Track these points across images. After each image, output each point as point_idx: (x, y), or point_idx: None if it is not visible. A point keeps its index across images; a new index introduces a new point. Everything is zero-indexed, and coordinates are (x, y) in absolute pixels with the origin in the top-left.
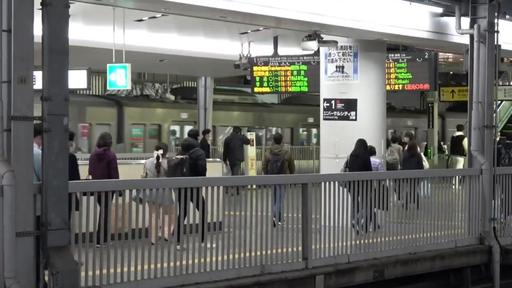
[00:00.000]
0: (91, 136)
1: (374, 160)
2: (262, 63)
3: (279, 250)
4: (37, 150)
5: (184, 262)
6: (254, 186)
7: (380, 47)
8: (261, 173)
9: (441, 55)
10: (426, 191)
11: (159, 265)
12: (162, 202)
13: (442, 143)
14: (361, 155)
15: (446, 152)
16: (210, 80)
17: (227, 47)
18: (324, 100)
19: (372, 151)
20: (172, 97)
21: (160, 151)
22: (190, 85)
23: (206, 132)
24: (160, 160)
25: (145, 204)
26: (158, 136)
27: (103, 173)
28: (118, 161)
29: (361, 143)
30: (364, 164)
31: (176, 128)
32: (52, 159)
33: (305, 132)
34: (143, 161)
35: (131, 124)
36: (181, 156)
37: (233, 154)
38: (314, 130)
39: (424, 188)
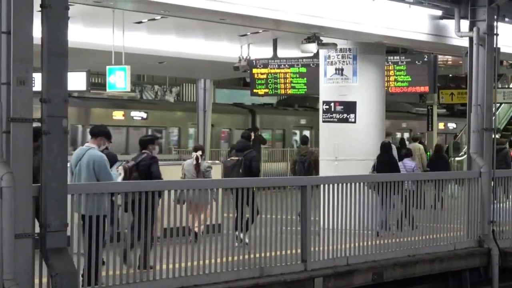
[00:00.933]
0: (231, 139)
1: (410, 162)
2: (262, 65)
3: (278, 252)
4: (97, 152)
5: (183, 264)
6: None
7: (380, 50)
8: (289, 173)
9: (440, 57)
10: (453, 191)
11: (158, 267)
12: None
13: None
14: (387, 159)
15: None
16: (210, 82)
17: (226, 49)
18: (324, 102)
19: (408, 153)
20: (172, 99)
21: (199, 152)
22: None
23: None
24: (199, 161)
25: (183, 204)
26: (283, 139)
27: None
28: None
29: (383, 147)
30: (390, 168)
31: (297, 131)
32: (51, 161)
33: None
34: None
35: (262, 129)
36: (237, 158)
37: None
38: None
39: (451, 188)
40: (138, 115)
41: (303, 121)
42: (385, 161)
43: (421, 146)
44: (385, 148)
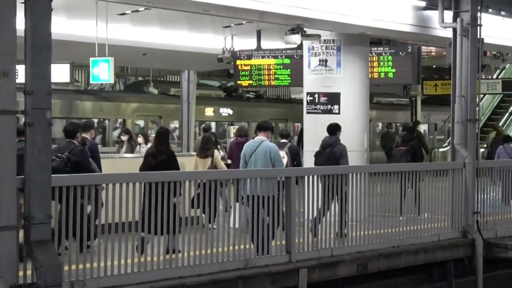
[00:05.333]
0: None
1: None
2: (246, 57)
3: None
4: (271, 143)
5: (167, 256)
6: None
7: (363, 41)
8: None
9: (424, 48)
10: None
11: (142, 259)
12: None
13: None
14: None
15: None
16: (193, 74)
17: (210, 41)
18: (308, 93)
19: (507, 138)
20: (155, 90)
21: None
22: None
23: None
24: None
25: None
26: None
27: None
28: None
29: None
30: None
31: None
32: (35, 153)
33: None
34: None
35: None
36: (405, 148)
37: None
38: None
39: None
40: None
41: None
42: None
43: None
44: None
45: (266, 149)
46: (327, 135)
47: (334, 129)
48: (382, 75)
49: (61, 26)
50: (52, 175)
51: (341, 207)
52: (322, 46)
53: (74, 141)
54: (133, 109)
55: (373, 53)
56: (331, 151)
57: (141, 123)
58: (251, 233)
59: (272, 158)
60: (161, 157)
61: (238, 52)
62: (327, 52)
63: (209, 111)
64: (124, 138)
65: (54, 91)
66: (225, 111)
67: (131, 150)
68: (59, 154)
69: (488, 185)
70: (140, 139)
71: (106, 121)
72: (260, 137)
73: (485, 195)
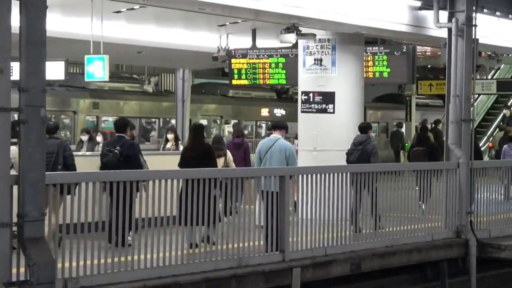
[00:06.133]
0: None
1: None
2: (240, 56)
3: (256, 243)
4: (286, 141)
5: (161, 255)
6: None
7: (359, 40)
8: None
9: (419, 48)
10: None
11: (136, 257)
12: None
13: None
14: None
15: None
16: (188, 72)
17: (205, 40)
18: (302, 93)
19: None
20: (151, 89)
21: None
22: None
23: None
24: None
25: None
26: None
27: (240, 159)
28: None
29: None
30: None
31: None
32: (29, 150)
33: None
34: None
35: None
36: (421, 148)
37: None
38: None
39: None
40: None
41: None
42: None
43: None
44: None
45: (282, 147)
46: (359, 133)
47: (365, 128)
48: (377, 74)
49: (56, 23)
50: (47, 173)
51: (372, 202)
52: (317, 45)
53: (125, 135)
54: (197, 110)
55: (368, 53)
56: (363, 149)
57: (204, 122)
58: (265, 229)
59: (287, 156)
60: (197, 151)
61: (233, 51)
62: (322, 51)
63: (264, 112)
64: (84, 138)
65: (128, 92)
66: (279, 112)
67: (92, 149)
68: (111, 149)
69: (490, 184)
70: (99, 138)
71: (173, 120)
72: (276, 135)
73: (479, 195)
